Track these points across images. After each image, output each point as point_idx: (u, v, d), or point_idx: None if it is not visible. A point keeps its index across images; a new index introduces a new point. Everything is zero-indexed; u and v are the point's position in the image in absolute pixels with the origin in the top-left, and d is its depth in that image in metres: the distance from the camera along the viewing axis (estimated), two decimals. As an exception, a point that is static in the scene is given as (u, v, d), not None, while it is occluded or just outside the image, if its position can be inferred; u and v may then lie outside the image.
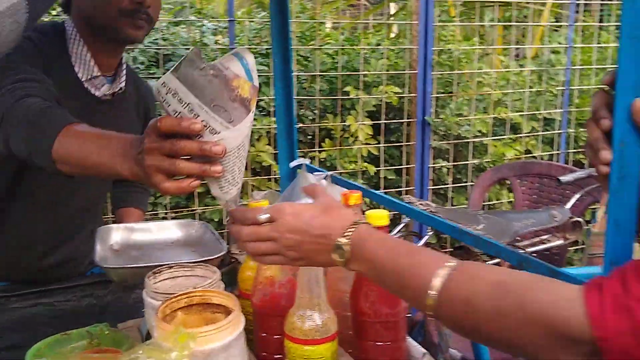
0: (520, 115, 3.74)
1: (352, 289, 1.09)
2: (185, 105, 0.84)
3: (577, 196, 2.08)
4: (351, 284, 1.10)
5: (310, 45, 3.38)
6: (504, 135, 3.72)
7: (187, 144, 0.85)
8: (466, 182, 3.63)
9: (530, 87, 3.84)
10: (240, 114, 0.87)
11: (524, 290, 0.68)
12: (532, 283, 0.70)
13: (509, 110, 3.67)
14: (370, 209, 1.09)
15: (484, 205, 3.08)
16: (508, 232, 1.76)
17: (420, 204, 1.72)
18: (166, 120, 0.85)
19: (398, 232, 1.95)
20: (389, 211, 1.23)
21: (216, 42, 3.21)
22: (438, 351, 1.67)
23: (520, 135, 3.75)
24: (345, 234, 0.85)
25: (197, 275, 1.21)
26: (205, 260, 1.27)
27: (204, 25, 3.27)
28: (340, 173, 3.27)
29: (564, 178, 1.88)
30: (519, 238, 1.96)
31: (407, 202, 1.63)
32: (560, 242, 1.87)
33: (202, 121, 0.85)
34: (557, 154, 3.88)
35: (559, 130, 3.88)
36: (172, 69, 0.83)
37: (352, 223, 0.86)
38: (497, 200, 3.63)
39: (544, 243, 1.85)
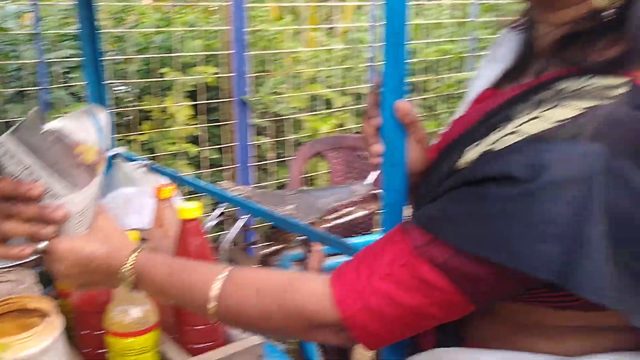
0: (332, 91, 3.96)
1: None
2: (25, 168, 0.80)
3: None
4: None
5: (124, 24, 3.28)
6: (319, 110, 3.92)
7: (24, 208, 0.82)
8: (287, 156, 3.79)
9: (341, 64, 4.07)
10: (85, 179, 0.84)
11: (281, 293, 0.78)
12: (287, 285, 0.79)
13: (321, 87, 3.87)
14: (190, 194, 1.15)
15: (304, 178, 3.26)
16: (315, 209, 1.92)
17: (236, 189, 1.81)
18: (2, 183, 0.81)
19: (218, 216, 2.02)
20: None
21: (21, 27, 2.99)
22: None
23: (333, 110, 3.98)
24: (126, 265, 0.87)
25: (11, 280, 1.20)
26: (19, 263, 1.25)
27: (4, 7, 3.03)
28: (162, 155, 3.25)
29: (362, 153, 2.07)
30: (336, 206, 2.13)
31: (223, 189, 1.71)
32: (363, 212, 2.08)
33: (43, 184, 0.81)
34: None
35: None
36: (11, 130, 0.78)
37: (130, 252, 0.88)
38: (316, 172, 3.83)
39: (348, 215, 2.05)
